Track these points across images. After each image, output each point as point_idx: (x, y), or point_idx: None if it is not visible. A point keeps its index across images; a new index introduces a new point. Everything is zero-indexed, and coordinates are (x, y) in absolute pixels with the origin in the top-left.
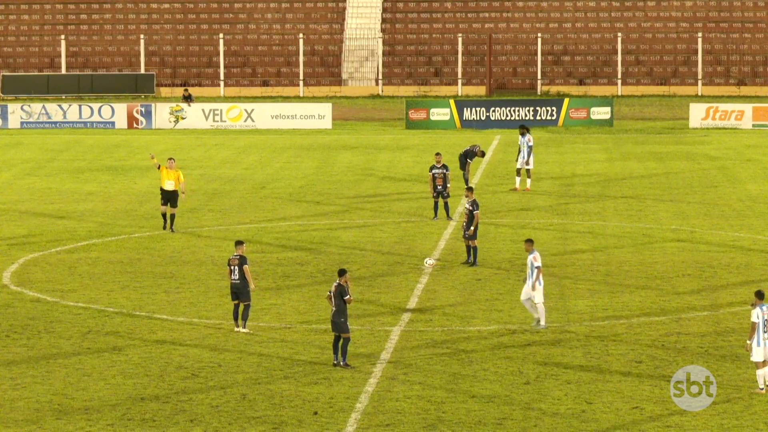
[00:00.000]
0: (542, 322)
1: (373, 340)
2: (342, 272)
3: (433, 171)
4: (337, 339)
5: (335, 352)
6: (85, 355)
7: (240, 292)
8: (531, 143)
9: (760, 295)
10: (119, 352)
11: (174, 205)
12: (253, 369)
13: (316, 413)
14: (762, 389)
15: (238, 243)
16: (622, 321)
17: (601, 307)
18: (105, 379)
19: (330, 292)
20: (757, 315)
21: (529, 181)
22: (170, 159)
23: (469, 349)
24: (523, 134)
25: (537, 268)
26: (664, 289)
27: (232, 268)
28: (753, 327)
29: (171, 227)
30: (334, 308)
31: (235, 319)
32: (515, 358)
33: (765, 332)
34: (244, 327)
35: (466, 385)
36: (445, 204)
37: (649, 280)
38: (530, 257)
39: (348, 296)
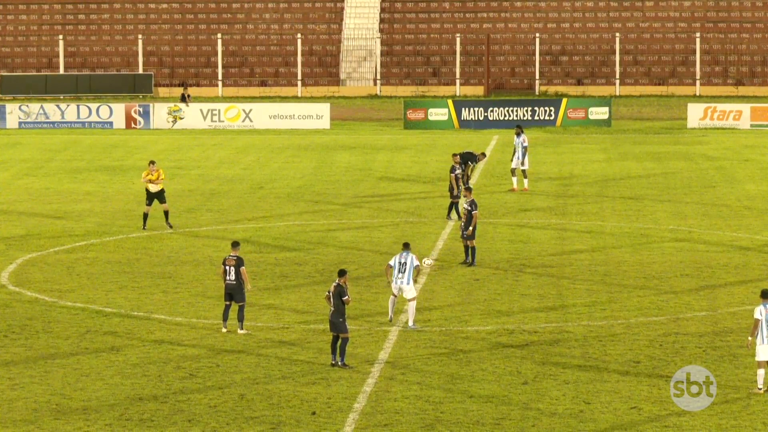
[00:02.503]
0: (410, 323)
1: (371, 340)
2: (342, 272)
3: (456, 172)
4: (335, 339)
5: (333, 352)
6: (83, 355)
7: (235, 293)
8: (526, 143)
9: (765, 294)
10: (117, 352)
11: (162, 201)
12: (251, 369)
13: (314, 413)
14: (761, 389)
15: (235, 244)
16: (620, 321)
17: (599, 307)
18: (103, 379)
19: (329, 292)
20: (759, 312)
21: (526, 181)
22: (151, 162)
23: (467, 349)
24: (518, 134)
25: (416, 266)
26: (662, 289)
27: (228, 268)
28: (755, 324)
29: (167, 223)
30: (332, 308)
31: (224, 319)
32: (513, 358)
33: None
34: (242, 328)
35: (464, 385)
36: (456, 204)
37: (647, 280)
38: (411, 257)
39: (346, 297)
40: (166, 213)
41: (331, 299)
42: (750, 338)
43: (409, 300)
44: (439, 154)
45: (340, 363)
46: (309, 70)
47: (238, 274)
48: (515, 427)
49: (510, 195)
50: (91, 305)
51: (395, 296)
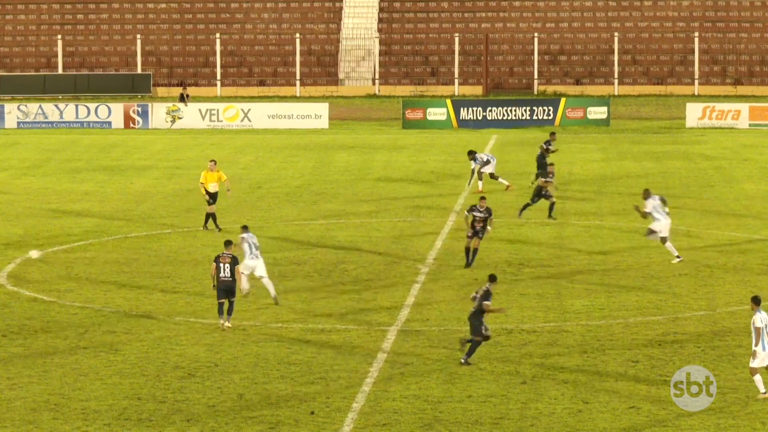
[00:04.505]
0: (273, 294)
1: (369, 339)
2: (493, 278)
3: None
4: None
5: (462, 347)
6: (81, 355)
7: (230, 290)
8: (486, 158)
9: (757, 300)
10: (116, 351)
11: (213, 202)
12: (250, 369)
13: (312, 413)
14: (765, 393)
15: (228, 243)
16: (618, 321)
17: (598, 307)
18: (102, 379)
19: (476, 293)
20: (760, 320)
21: (480, 183)
22: (212, 161)
23: (466, 349)
24: (474, 159)
25: (256, 246)
26: (661, 288)
27: (222, 265)
28: (758, 332)
29: (216, 225)
30: (473, 309)
31: (221, 314)
32: (512, 357)
33: None
34: (228, 321)
35: (463, 384)
36: (552, 204)
37: (646, 279)
38: (251, 238)
39: (489, 303)
40: (213, 215)
41: (477, 300)
42: (755, 348)
43: (263, 278)
44: (438, 154)
45: (462, 360)
46: (307, 70)
47: (233, 271)
48: (514, 427)
49: (509, 195)
50: (90, 305)
51: (246, 274)
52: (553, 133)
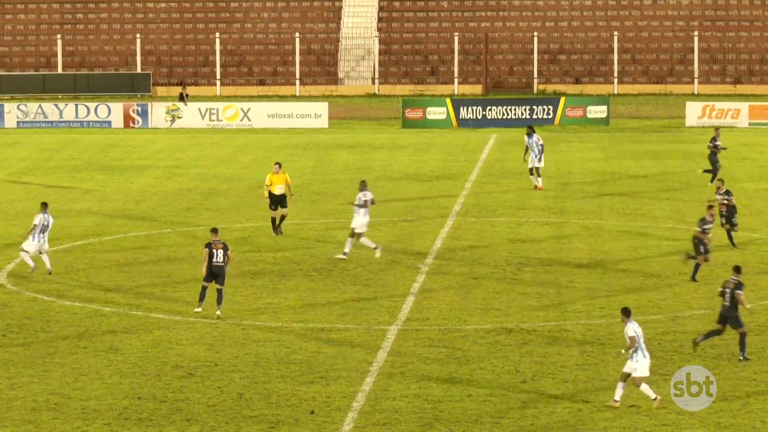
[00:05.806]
0: (48, 267)
1: (369, 339)
2: (738, 269)
3: (716, 197)
4: (718, 333)
5: (742, 349)
6: (81, 355)
7: (219, 275)
8: (541, 142)
9: (627, 312)
10: (116, 351)
11: (284, 205)
12: (250, 368)
13: (312, 412)
14: (656, 398)
15: (215, 230)
16: (618, 320)
17: (598, 307)
18: (101, 379)
19: (723, 287)
20: (633, 330)
21: (540, 179)
22: (277, 164)
23: (466, 348)
24: (530, 135)
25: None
26: (661, 288)
27: (216, 251)
28: (632, 341)
29: (279, 227)
30: (726, 303)
31: (201, 299)
32: (512, 356)
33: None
34: (219, 310)
35: (463, 383)
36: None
37: (646, 278)
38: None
39: (741, 292)
40: (282, 217)
41: (726, 294)
42: (623, 351)
43: (46, 251)
44: (438, 153)
45: (741, 357)
46: (307, 69)
47: (225, 257)
48: (514, 426)
49: (508, 194)
50: (90, 304)
51: (39, 252)
52: (717, 128)
